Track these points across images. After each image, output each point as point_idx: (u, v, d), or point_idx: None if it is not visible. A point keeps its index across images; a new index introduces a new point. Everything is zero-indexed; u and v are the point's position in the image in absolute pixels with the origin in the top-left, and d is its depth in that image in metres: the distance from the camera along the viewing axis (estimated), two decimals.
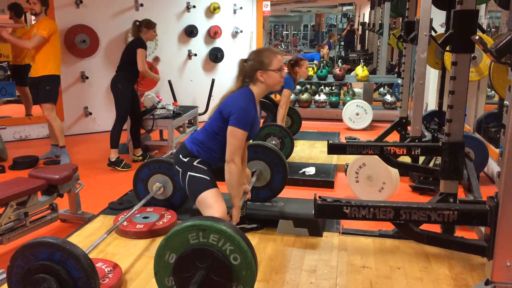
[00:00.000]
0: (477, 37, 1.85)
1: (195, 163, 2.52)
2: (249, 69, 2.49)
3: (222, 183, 2.54)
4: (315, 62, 7.75)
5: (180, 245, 1.97)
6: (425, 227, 2.54)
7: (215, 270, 1.93)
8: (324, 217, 3.03)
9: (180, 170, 2.56)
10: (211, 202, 2.45)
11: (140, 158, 4.95)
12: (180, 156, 2.57)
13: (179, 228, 1.98)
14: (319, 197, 2.30)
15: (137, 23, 4.77)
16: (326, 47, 9.08)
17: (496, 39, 2.01)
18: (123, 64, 4.76)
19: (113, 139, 4.76)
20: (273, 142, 4.64)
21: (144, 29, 4.73)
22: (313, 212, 2.36)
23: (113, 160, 4.76)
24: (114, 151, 4.78)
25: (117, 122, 4.77)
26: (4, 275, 2.20)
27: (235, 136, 2.40)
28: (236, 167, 2.43)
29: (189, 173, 2.51)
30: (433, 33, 4.32)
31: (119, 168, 4.72)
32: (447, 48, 2.69)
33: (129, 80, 4.79)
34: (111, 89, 4.79)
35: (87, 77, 6.23)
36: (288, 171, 3.42)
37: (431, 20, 3.95)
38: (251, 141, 2.82)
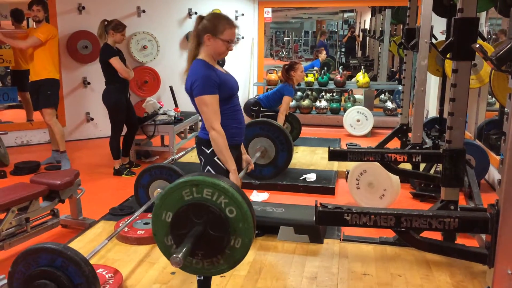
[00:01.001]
0: (477, 45, 1.86)
1: (216, 158, 2.44)
2: (201, 27, 2.40)
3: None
4: (316, 68, 7.77)
5: (175, 202, 1.95)
6: (426, 234, 2.54)
7: (212, 224, 1.91)
8: (325, 224, 3.03)
9: (203, 160, 2.50)
10: None
11: (127, 166, 4.88)
12: (202, 146, 2.49)
13: (173, 185, 1.96)
14: (320, 203, 2.30)
15: (105, 22, 4.54)
16: (324, 51, 9.09)
17: (497, 47, 2.02)
18: (107, 78, 4.63)
19: (114, 151, 4.77)
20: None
21: (110, 31, 4.49)
22: (314, 218, 2.36)
23: (117, 168, 4.79)
24: (117, 162, 4.80)
25: (114, 134, 4.73)
26: (5, 281, 2.20)
27: (204, 104, 2.32)
28: (217, 132, 2.34)
29: (208, 167, 2.45)
30: (433, 41, 4.34)
31: (123, 176, 4.72)
32: (448, 56, 2.71)
33: (121, 90, 4.66)
34: (103, 102, 4.67)
35: (89, 83, 6.25)
36: (293, 151, 3.40)
37: (431, 28, 3.97)
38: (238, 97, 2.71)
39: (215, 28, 2.37)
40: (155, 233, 2.01)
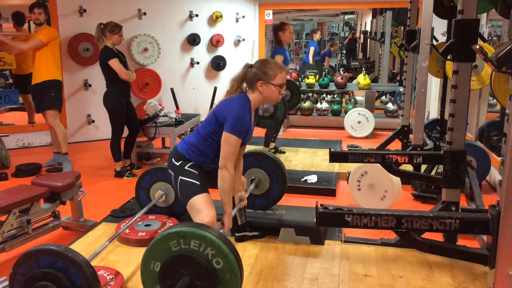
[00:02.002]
0: (477, 47, 1.86)
1: (186, 167, 2.51)
2: (252, 76, 2.49)
3: (215, 191, 2.53)
4: (313, 49, 7.80)
5: (162, 253, 1.99)
6: (427, 235, 2.54)
7: (199, 276, 1.93)
8: (326, 225, 3.03)
9: (173, 174, 2.56)
10: (200, 207, 2.44)
11: (128, 168, 4.88)
12: (173, 159, 2.57)
13: (160, 237, 2.00)
14: (321, 205, 2.30)
15: (102, 26, 4.54)
16: (319, 32, 9.25)
17: (497, 48, 2.02)
18: (108, 81, 4.64)
19: (114, 154, 4.77)
20: (265, 105, 4.64)
21: (108, 34, 4.49)
22: (315, 220, 2.36)
23: (118, 170, 4.80)
24: (118, 164, 4.81)
25: (114, 137, 4.74)
26: (7, 283, 2.21)
27: (229, 143, 2.39)
28: (229, 173, 2.41)
29: (180, 177, 2.51)
30: (434, 42, 4.33)
31: (124, 178, 4.73)
32: (449, 57, 2.71)
33: (121, 93, 4.67)
34: (104, 105, 4.68)
35: (90, 85, 6.27)
36: (287, 181, 3.42)
37: (432, 29, 3.97)
38: (246, 148, 2.80)
39: (266, 75, 2.46)
40: (144, 282, 2.06)
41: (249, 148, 3.62)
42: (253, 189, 3.29)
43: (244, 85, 2.57)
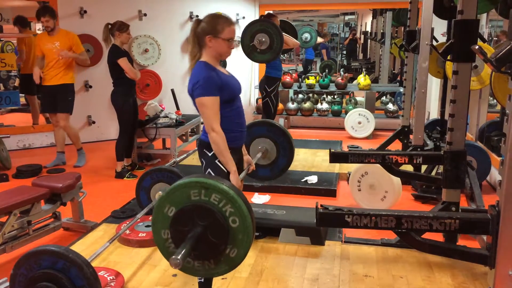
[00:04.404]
0: (476, 47, 1.86)
1: (217, 161, 2.45)
2: (201, 31, 2.41)
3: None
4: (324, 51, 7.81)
5: (180, 199, 1.94)
6: (427, 235, 2.54)
7: (213, 230, 1.91)
8: (326, 225, 3.03)
9: (204, 162, 2.51)
10: None
11: (129, 168, 4.89)
12: (204, 150, 2.50)
13: (182, 182, 1.95)
14: (321, 205, 2.30)
15: (109, 26, 4.60)
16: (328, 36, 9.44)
17: (497, 49, 2.02)
18: (115, 80, 4.69)
19: (118, 152, 4.80)
20: (263, 39, 4.61)
21: (116, 32, 4.55)
22: (315, 220, 2.36)
23: (119, 171, 4.81)
24: (119, 164, 4.82)
25: (121, 135, 4.78)
26: (7, 284, 2.21)
27: (204, 105, 2.33)
28: (217, 134, 2.34)
29: (209, 169, 2.47)
30: (434, 42, 4.34)
31: (125, 178, 4.74)
32: (448, 58, 2.71)
33: (128, 92, 4.73)
34: (112, 103, 4.77)
35: (90, 86, 6.27)
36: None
37: (432, 30, 3.97)
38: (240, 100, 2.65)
39: (215, 29, 2.38)
40: (154, 223, 2.00)
41: None
42: (258, 158, 3.26)
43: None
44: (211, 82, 2.32)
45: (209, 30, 2.38)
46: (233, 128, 2.46)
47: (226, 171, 2.44)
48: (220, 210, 1.90)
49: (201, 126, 5.88)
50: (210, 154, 2.45)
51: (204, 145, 2.48)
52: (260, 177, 3.39)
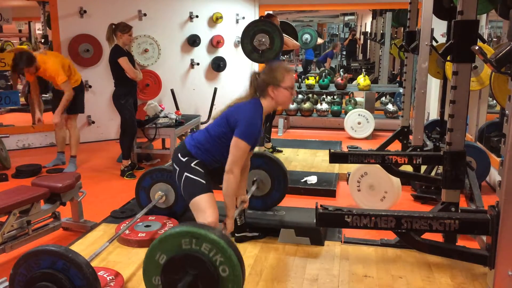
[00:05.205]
0: (476, 47, 1.86)
1: (192, 164, 2.50)
2: (261, 82, 2.50)
3: (219, 191, 2.54)
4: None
5: (172, 247, 1.99)
6: (427, 236, 2.54)
7: (203, 279, 1.95)
8: (326, 225, 3.04)
9: (178, 169, 2.55)
10: (204, 207, 2.44)
11: (128, 169, 4.86)
12: (179, 155, 2.56)
13: (174, 231, 2.00)
14: (321, 205, 2.30)
15: (113, 26, 4.63)
16: (339, 46, 9.41)
17: (497, 49, 2.02)
18: (116, 80, 4.72)
19: (125, 150, 4.82)
20: (263, 39, 4.61)
21: (118, 33, 4.58)
22: (315, 220, 2.36)
23: (122, 169, 4.82)
24: (124, 162, 4.84)
25: (126, 133, 4.78)
26: (7, 283, 2.21)
27: (238, 147, 2.40)
28: (234, 177, 2.42)
29: (185, 173, 2.50)
30: (434, 43, 4.34)
31: (125, 178, 4.74)
32: (448, 58, 2.71)
33: (129, 93, 4.76)
34: (113, 103, 4.80)
35: (90, 86, 6.27)
36: (288, 186, 3.43)
37: (432, 30, 3.98)
38: (254, 151, 2.81)
39: (275, 79, 2.47)
40: (145, 270, 2.07)
41: None
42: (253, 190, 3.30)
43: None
44: (253, 131, 2.43)
45: (270, 81, 2.47)
46: (224, 154, 2.51)
47: (203, 171, 2.50)
48: (211, 260, 1.95)
49: (201, 126, 5.92)
50: (184, 160, 2.53)
51: (182, 151, 2.56)
52: (254, 208, 3.43)
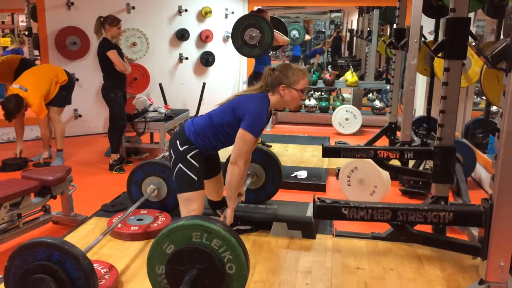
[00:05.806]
0: (473, 43, 1.90)
1: (188, 156, 2.48)
2: (274, 79, 2.49)
3: None
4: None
5: (181, 239, 1.98)
6: (418, 228, 2.58)
7: (209, 274, 1.96)
8: (324, 218, 3.08)
9: (173, 157, 2.52)
10: (190, 202, 2.48)
11: (116, 163, 4.81)
12: (178, 142, 2.52)
13: (186, 223, 1.99)
14: (318, 198, 2.33)
15: (102, 19, 4.60)
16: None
17: (485, 47, 2.07)
18: (105, 73, 4.68)
19: (113, 144, 4.77)
20: (253, 34, 4.61)
21: (107, 26, 4.54)
22: (312, 213, 2.39)
23: (110, 163, 4.78)
24: (115, 156, 4.79)
25: (115, 127, 4.74)
26: (1, 276, 2.18)
27: (244, 140, 2.40)
28: (239, 169, 2.43)
29: (180, 164, 2.48)
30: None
31: (113, 172, 4.70)
32: (440, 55, 2.76)
33: (118, 86, 4.73)
34: (102, 97, 4.76)
35: (77, 79, 6.17)
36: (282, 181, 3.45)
37: (421, 28, 4.03)
38: (257, 145, 2.84)
39: (289, 79, 2.46)
40: (150, 257, 2.05)
41: None
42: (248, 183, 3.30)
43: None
44: (260, 124, 2.43)
45: (283, 79, 2.47)
46: (222, 140, 2.54)
47: (197, 165, 2.49)
48: (219, 256, 1.96)
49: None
50: (181, 149, 2.50)
51: (180, 136, 2.53)
52: (247, 201, 3.43)
